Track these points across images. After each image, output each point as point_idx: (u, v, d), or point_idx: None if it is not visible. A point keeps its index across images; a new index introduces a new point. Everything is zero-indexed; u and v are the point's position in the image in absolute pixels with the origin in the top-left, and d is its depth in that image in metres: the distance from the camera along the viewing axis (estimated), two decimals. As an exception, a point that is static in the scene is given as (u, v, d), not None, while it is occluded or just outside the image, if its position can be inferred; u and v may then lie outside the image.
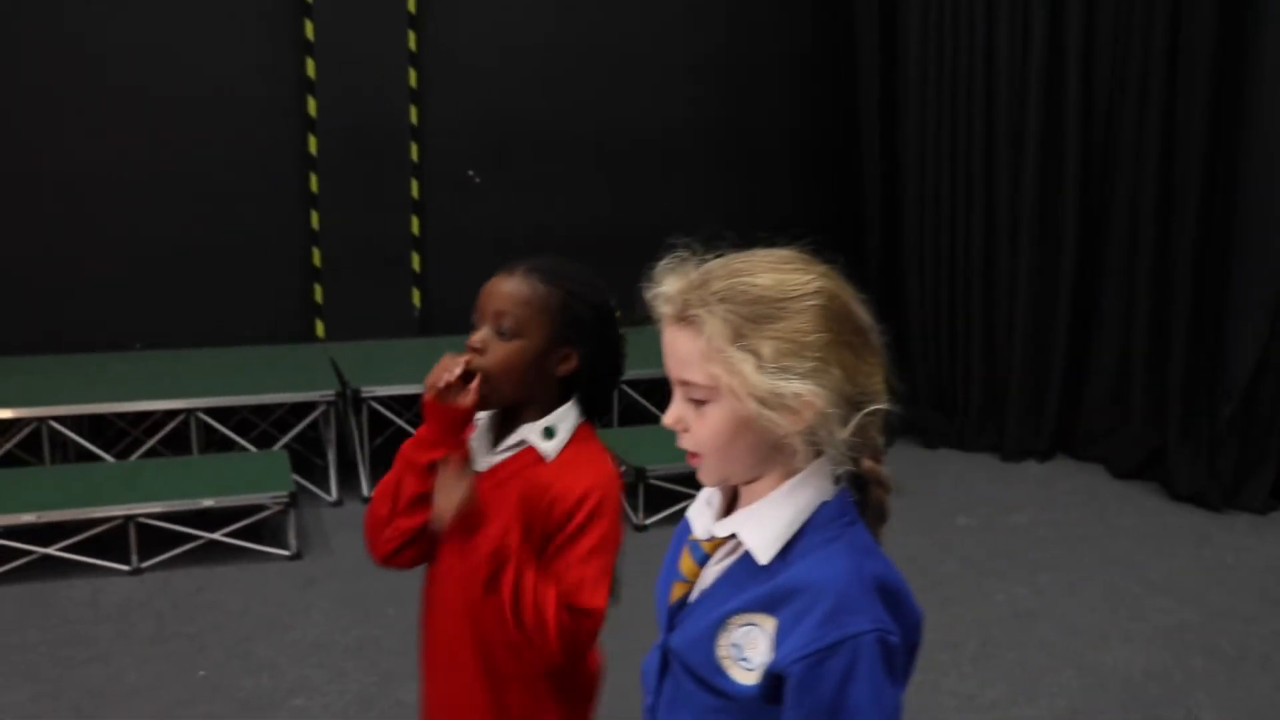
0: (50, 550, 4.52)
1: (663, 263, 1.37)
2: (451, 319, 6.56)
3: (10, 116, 5.87)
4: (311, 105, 6.26)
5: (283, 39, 6.23)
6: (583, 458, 1.89)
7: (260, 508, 4.73)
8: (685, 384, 1.33)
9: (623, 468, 4.80)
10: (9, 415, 5.03)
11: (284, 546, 4.74)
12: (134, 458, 5.27)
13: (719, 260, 1.35)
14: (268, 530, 4.81)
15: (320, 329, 6.41)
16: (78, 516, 4.54)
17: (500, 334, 1.86)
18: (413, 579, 2.06)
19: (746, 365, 1.28)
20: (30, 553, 4.49)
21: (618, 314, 1.95)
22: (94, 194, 6.01)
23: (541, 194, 6.73)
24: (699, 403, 1.33)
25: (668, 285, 1.35)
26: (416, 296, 6.60)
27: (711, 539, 1.40)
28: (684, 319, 1.32)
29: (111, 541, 4.54)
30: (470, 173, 6.61)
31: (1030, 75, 5.96)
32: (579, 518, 1.83)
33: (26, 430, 5.10)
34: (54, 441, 5.23)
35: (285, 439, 5.48)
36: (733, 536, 1.37)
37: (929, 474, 5.90)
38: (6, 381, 5.37)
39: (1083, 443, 6.06)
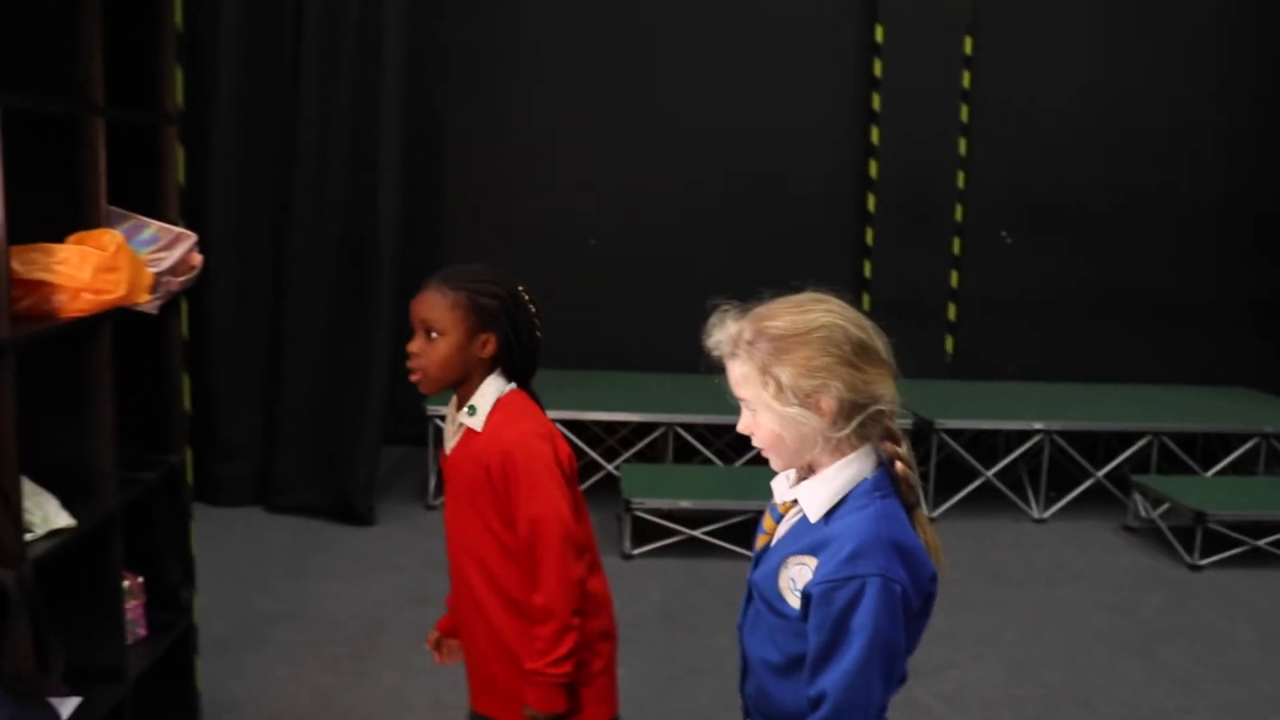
0: (696, 533, 5.44)
1: (711, 318, 1.81)
2: (978, 366, 7.21)
3: (587, 139, 6.90)
4: (872, 168, 7.06)
5: (850, 110, 7.08)
6: (503, 421, 2.29)
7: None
8: (741, 400, 1.79)
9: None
10: (639, 419, 6.03)
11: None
12: (742, 462, 6.14)
13: (752, 311, 1.79)
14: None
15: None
16: (718, 508, 5.44)
17: (429, 337, 2.27)
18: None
19: (771, 389, 1.73)
20: (682, 533, 5.43)
21: (524, 295, 2.33)
22: (664, 225, 6.99)
23: (1065, 254, 7.27)
24: (754, 416, 1.78)
25: (717, 334, 1.80)
26: (950, 343, 7.27)
27: (785, 503, 1.87)
28: (732, 356, 1.78)
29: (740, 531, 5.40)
30: (1003, 234, 7.23)
31: None
32: (511, 472, 2.23)
33: (656, 434, 6.08)
34: (675, 444, 6.17)
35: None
36: (796, 501, 1.82)
37: None
38: (640, 391, 6.39)
39: None
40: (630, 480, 5.56)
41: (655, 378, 6.63)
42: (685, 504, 5.39)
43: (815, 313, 1.76)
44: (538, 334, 2.36)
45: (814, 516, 1.78)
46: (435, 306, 2.27)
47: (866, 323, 1.79)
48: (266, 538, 5.53)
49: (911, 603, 1.71)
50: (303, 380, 5.86)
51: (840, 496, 1.77)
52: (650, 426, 6.07)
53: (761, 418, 1.78)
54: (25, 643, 2.34)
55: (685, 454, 6.21)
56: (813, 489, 1.79)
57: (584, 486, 5.92)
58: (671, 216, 6.99)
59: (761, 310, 1.79)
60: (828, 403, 1.72)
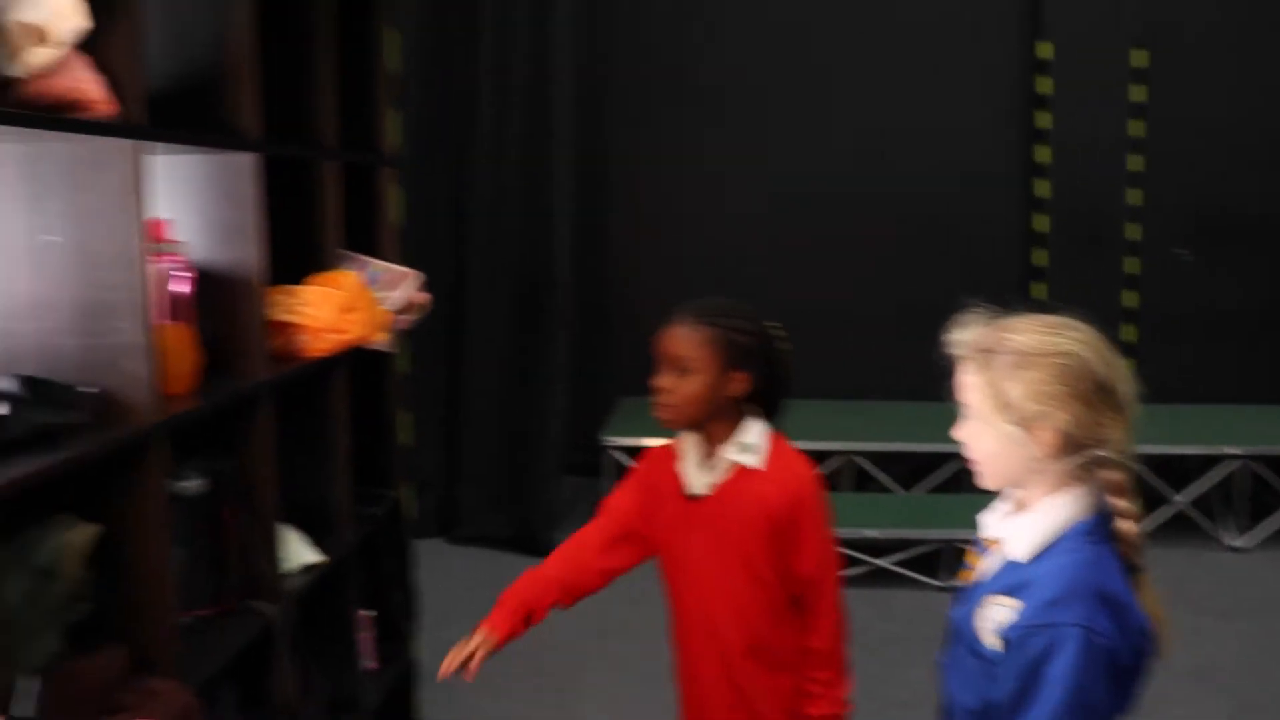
0: (882, 563, 5.35)
1: (961, 316, 1.74)
2: (1160, 389, 6.97)
3: (755, 171, 6.83)
4: (1042, 187, 6.92)
5: (1017, 128, 6.95)
6: (786, 463, 2.24)
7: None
8: (965, 406, 1.73)
9: None
10: (818, 447, 5.97)
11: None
12: (921, 491, 6.04)
13: (999, 320, 1.71)
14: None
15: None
16: (904, 536, 5.35)
17: (679, 373, 2.19)
18: None
19: (993, 403, 1.66)
20: (868, 564, 5.35)
21: (778, 335, 2.27)
22: (832, 256, 6.89)
23: (1249, 270, 7.01)
24: (974, 424, 1.71)
25: (959, 334, 1.73)
26: (1129, 365, 7.05)
27: (991, 539, 1.79)
28: (966, 360, 1.71)
29: (925, 561, 5.30)
30: (1182, 251, 7.00)
31: None
32: (803, 517, 2.20)
33: (837, 463, 6.02)
34: (853, 472, 6.10)
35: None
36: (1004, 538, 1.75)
37: None
38: (816, 419, 6.34)
39: None
40: (812, 509, 5.48)
41: (830, 405, 6.56)
42: (871, 533, 5.30)
43: (1063, 338, 1.68)
44: (789, 372, 2.31)
45: (1021, 556, 1.70)
46: (687, 343, 2.20)
47: (1118, 363, 1.69)
48: (453, 569, 5.59)
49: (1120, 660, 1.58)
50: (484, 413, 5.95)
51: (1051, 537, 1.68)
52: (828, 454, 6.00)
53: (979, 429, 1.72)
54: (288, 672, 2.39)
55: (861, 482, 6.12)
56: (1022, 527, 1.72)
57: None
58: (839, 247, 6.92)
59: (1010, 322, 1.72)
60: (1048, 433, 1.64)
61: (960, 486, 5.84)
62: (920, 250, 6.96)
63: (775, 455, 2.25)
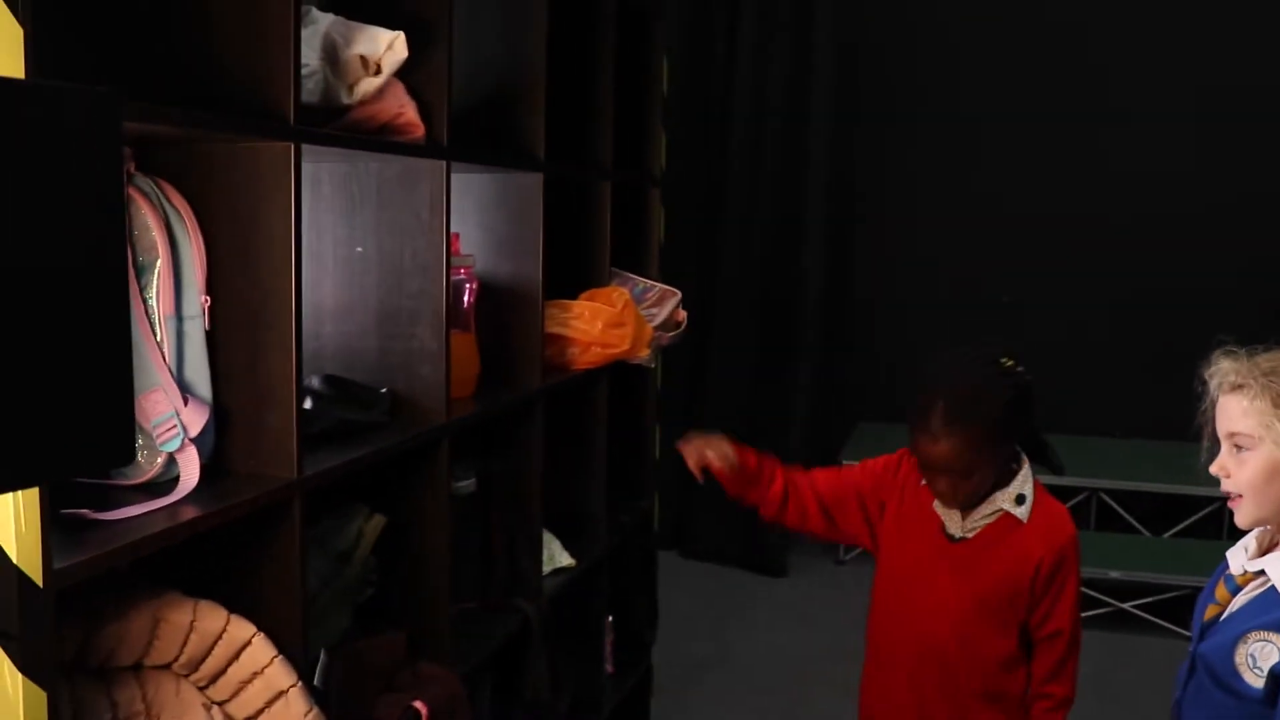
0: (1126, 606, 5.17)
1: (1217, 352, 1.76)
2: None
3: (1001, 197, 6.67)
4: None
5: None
6: (1049, 514, 2.13)
7: None
8: (1232, 436, 1.71)
9: None
10: (1064, 483, 5.80)
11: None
12: (1167, 534, 5.81)
13: (1267, 351, 1.72)
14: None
15: None
16: (1149, 580, 5.15)
17: (949, 473, 2.12)
18: None
19: None
20: (1110, 605, 5.18)
21: (1023, 376, 2.14)
22: (1081, 285, 6.63)
23: None
24: (1241, 454, 1.69)
25: (1225, 363, 1.73)
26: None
27: (1244, 574, 1.75)
28: (1237, 387, 1.70)
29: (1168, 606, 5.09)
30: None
31: None
32: (1064, 570, 2.08)
33: (1079, 498, 5.84)
34: (1100, 511, 5.91)
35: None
36: (1262, 572, 1.71)
37: None
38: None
39: None
40: (1055, 547, 5.33)
41: (1073, 440, 6.37)
42: (1115, 574, 5.13)
43: None
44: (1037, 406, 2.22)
45: None
46: (953, 455, 2.09)
47: None
48: (684, 583, 5.69)
49: None
50: (723, 430, 6.01)
51: None
52: (1072, 491, 5.82)
53: (1254, 457, 1.70)
54: (543, 668, 2.51)
55: (1104, 521, 5.92)
56: None
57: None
58: (1090, 280, 6.69)
59: (1277, 352, 1.76)
60: None
61: (1206, 533, 5.59)
62: (1176, 284, 6.66)
63: (1038, 504, 2.18)
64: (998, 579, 2.15)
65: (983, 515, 2.17)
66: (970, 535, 2.19)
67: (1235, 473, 1.73)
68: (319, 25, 1.79)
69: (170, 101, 1.47)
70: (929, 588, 2.21)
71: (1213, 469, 1.78)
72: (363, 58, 1.76)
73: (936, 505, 2.22)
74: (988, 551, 2.16)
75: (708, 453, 2.31)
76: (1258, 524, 1.77)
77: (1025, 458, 2.20)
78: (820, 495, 2.34)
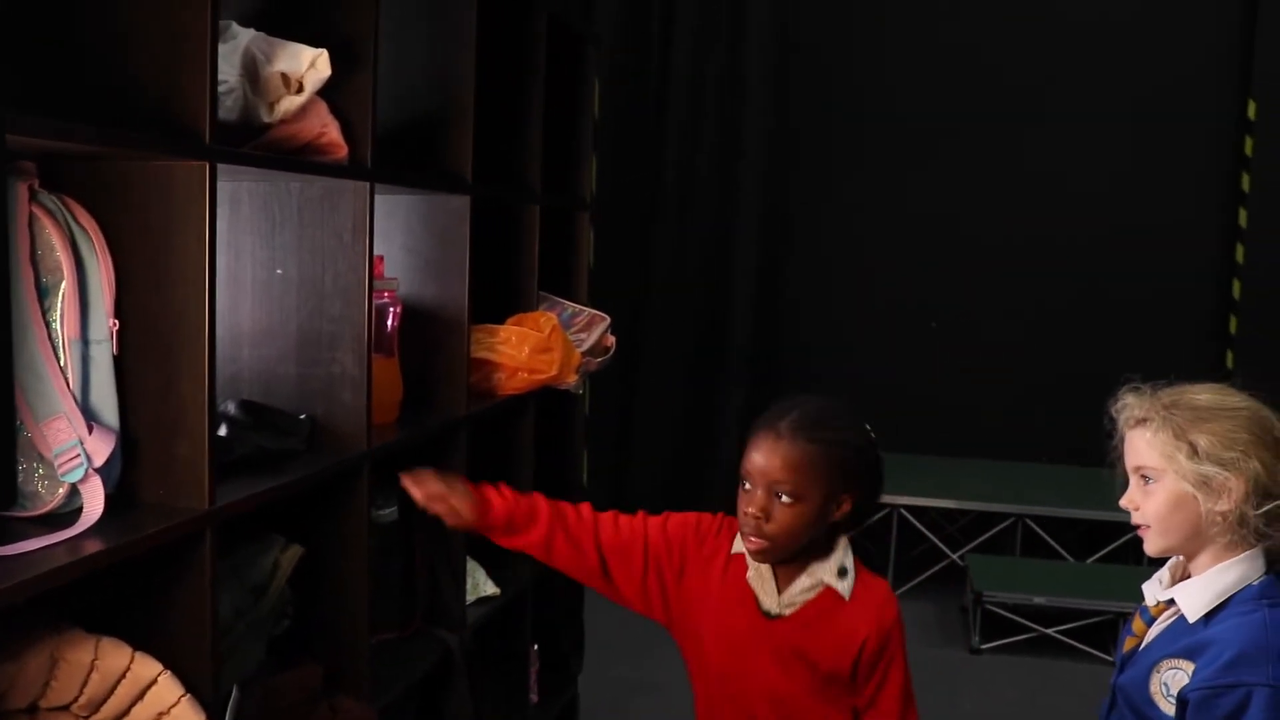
0: (1050, 631, 5.21)
1: (1123, 389, 1.81)
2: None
3: (934, 223, 6.69)
4: (1239, 252, 6.67)
5: (1215, 193, 6.71)
6: (870, 590, 1.98)
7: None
8: (1138, 469, 1.77)
9: None
10: (989, 509, 5.85)
11: None
12: (1089, 560, 5.85)
13: (1169, 385, 1.78)
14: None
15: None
16: (1073, 605, 5.19)
17: (779, 499, 1.86)
18: None
19: (1182, 453, 1.69)
20: (1035, 630, 5.21)
21: (874, 439, 1.97)
22: (1009, 311, 6.70)
23: None
24: (1148, 485, 1.75)
25: (1129, 399, 1.79)
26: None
27: (1157, 604, 1.81)
28: (1141, 421, 1.76)
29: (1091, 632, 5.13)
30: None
31: None
32: (890, 650, 1.95)
33: (1004, 524, 5.88)
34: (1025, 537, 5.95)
35: None
36: (1172, 602, 1.77)
37: None
38: (986, 480, 6.21)
39: None
40: (980, 572, 5.37)
41: (1000, 466, 6.43)
42: (1039, 600, 5.16)
43: (1237, 397, 1.78)
44: (882, 487, 2.02)
45: (1192, 617, 1.74)
46: (793, 464, 1.87)
47: None
48: (610, 608, 5.57)
49: None
50: (652, 458, 6.01)
51: (1222, 599, 1.73)
52: (998, 517, 5.87)
53: (1158, 490, 1.75)
54: (465, 699, 2.46)
55: (1029, 547, 5.96)
56: (1192, 590, 1.75)
57: (924, 576, 5.83)
58: (1019, 303, 6.76)
59: (1181, 386, 1.81)
60: (1237, 483, 1.68)
61: (1130, 558, 5.65)
62: (1102, 311, 6.76)
63: (860, 581, 1.99)
64: (821, 661, 1.95)
65: (801, 590, 1.96)
66: (788, 613, 1.96)
67: (1143, 504, 1.78)
68: (239, 41, 1.74)
69: (79, 117, 1.42)
70: (748, 670, 1.99)
71: (1122, 502, 1.82)
72: (284, 75, 1.72)
73: (750, 577, 1.98)
74: (808, 630, 1.96)
75: (436, 507, 2.03)
76: (1165, 553, 1.81)
77: (845, 536, 2.01)
78: (601, 543, 2.08)
